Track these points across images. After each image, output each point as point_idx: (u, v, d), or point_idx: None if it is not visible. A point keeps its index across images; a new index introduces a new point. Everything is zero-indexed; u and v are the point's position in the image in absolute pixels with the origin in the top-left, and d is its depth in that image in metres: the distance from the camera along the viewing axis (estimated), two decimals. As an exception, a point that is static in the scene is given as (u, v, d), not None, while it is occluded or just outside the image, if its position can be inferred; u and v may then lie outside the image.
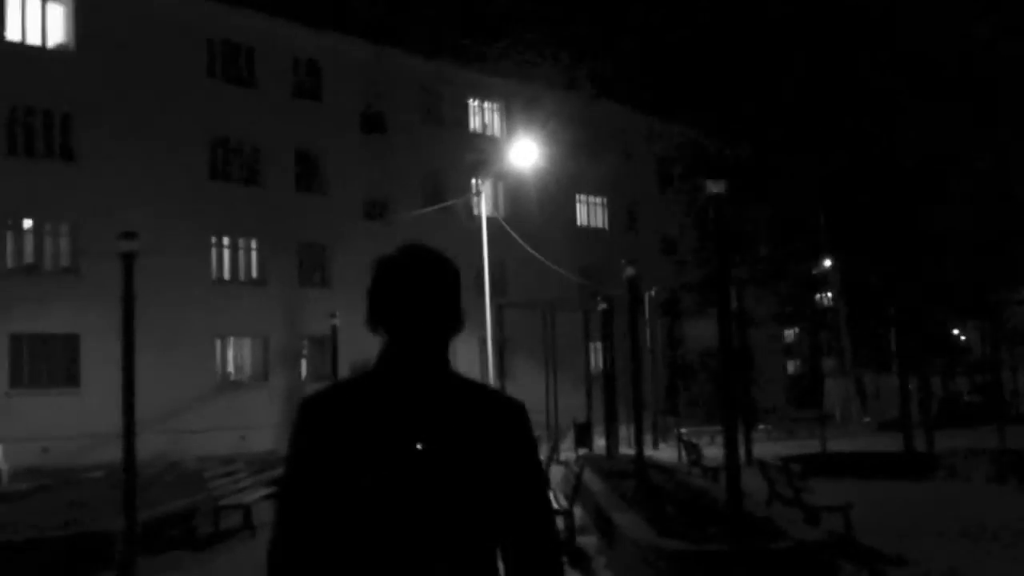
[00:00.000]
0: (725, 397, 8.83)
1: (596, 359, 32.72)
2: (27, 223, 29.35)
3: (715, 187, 8.65)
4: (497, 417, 2.32)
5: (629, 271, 14.16)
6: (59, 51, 30.18)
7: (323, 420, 2.26)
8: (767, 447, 25.76)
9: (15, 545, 10.11)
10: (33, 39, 29.68)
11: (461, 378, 2.38)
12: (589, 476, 13.25)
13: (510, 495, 2.25)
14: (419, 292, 2.34)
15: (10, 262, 28.66)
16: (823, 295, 46.04)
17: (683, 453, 23.29)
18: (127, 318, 10.57)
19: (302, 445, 2.26)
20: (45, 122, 29.57)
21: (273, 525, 2.31)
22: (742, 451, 23.48)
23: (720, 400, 8.89)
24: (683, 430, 27.05)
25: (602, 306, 22.62)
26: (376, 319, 2.36)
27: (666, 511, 11.39)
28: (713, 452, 20.23)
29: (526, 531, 2.26)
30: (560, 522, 12.22)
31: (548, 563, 2.26)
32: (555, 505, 11.71)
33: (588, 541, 11.69)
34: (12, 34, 29.11)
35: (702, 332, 26.77)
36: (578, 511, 12.45)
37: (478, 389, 2.38)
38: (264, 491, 14.48)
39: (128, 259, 10.62)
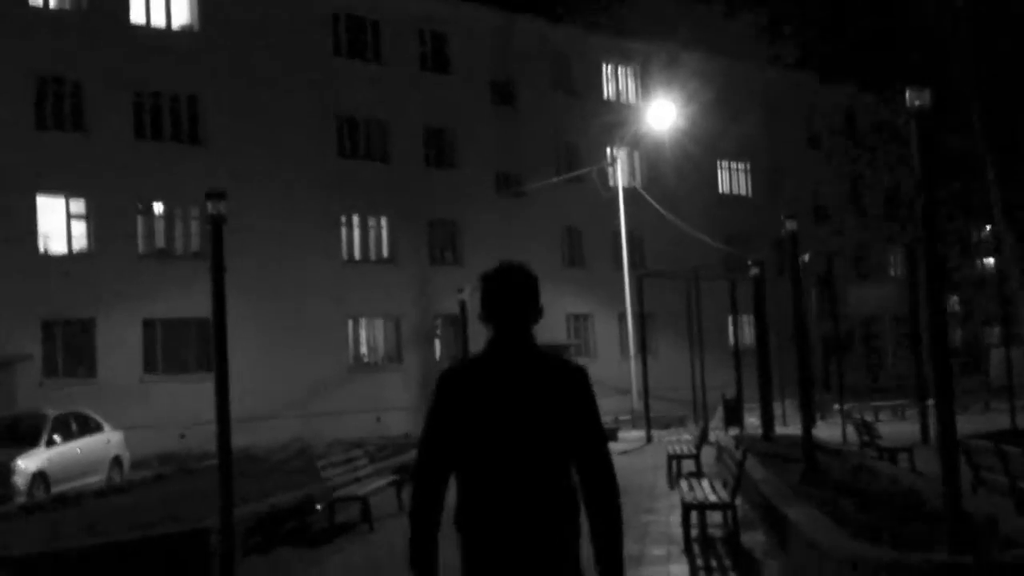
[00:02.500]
0: (938, 368, 6.95)
1: (742, 332, 30.59)
2: (157, 208, 29.11)
3: (918, 99, 6.78)
4: (565, 378, 3.63)
5: (790, 225, 12.27)
6: (184, 33, 29.81)
7: (456, 385, 3.62)
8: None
9: (95, 549, 9.04)
10: (157, 21, 29.36)
11: (541, 352, 3.65)
12: (750, 462, 11.44)
13: (575, 428, 3.57)
14: (508, 298, 3.64)
15: (142, 247, 28.45)
16: (986, 259, 42.49)
17: (848, 432, 21.14)
18: (217, 289, 9.34)
19: (442, 401, 3.61)
20: (171, 105, 29.25)
21: (418, 451, 3.66)
22: (918, 429, 21.21)
23: (933, 371, 7.02)
24: (845, 406, 24.77)
25: (753, 271, 20.60)
26: (485, 317, 3.67)
27: (846, 504, 9.54)
28: (886, 431, 18.11)
29: (587, 451, 3.58)
30: (718, 516, 10.51)
31: (604, 473, 3.58)
32: (714, 497, 10.00)
33: (753, 540, 9.92)
34: (136, 17, 28.83)
35: (864, 298, 24.38)
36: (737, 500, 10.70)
37: (552, 359, 3.67)
38: (383, 481, 13.19)
39: (216, 222, 9.39)
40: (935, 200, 7.10)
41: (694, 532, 10.06)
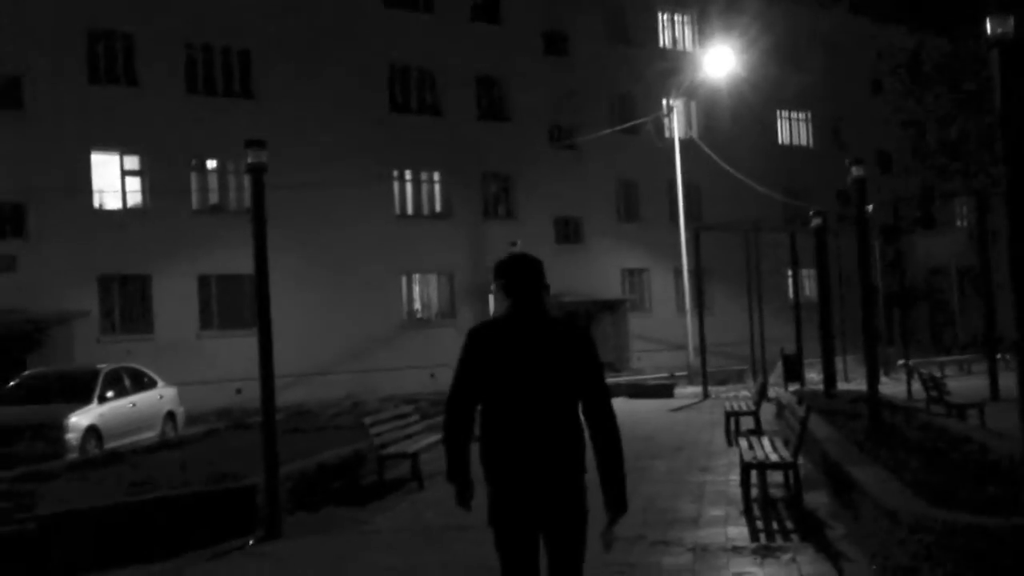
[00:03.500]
0: (1019, 315, 6.45)
1: (802, 286, 29.86)
2: (211, 163, 29.09)
3: (1000, 26, 6.21)
4: (570, 335, 4.53)
5: (856, 171, 11.68)
6: (234, -15, 29.55)
7: (481, 338, 4.53)
8: (1010, 379, 22.51)
9: (150, 504, 8.89)
10: (208, -26, 29.13)
11: (550, 316, 4.59)
12: (813, 419, 10.96)
13: (580, 374, 4.45)
14: (523, 276, 4.58)
15: (195, 203, 28.49)
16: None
17: (913, 388, 20.53)
18: (259, 241, 9.07)
19: (469, 350, 4.52)
20: (223, 59, 29.11)
21: (450, 389, 4.54)
22: (986, 384, 20.50)
23: (1016, 319, 6.53)
24: (909, 361, 24.06)
25: (816, 222, 19.93)
26: (504, 290, 4.58)
27: (915, 463, 9.06)
28: (953, 387, 17.44)
29: (590, 393, 4.46)
30: (778, 476, 10.10)
31: (603, 410, 4.44)
32: (775, 456, 9.59)
33: (816, 501, 9.49)
34: (187, -30, 28.61)
35: (932, 249, 23.55)
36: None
37: (559, 321, 4.61)
38: (434, 438, 12.93)
39: (257, 172, 9.10)
40: (1021, 136, 6.53)
41: (754, 492, 9.68)
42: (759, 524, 8.63)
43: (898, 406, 14.65)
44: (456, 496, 4.51)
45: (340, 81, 30.13)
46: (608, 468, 4.37)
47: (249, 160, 9.09)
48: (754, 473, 9.69)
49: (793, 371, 24.87)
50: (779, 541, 8.01)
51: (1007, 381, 21.69)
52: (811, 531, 8.23)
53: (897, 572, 6.60)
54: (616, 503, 4.34)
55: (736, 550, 7.68)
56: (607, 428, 4.39)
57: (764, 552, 7.58)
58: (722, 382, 27.76)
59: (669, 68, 35.86)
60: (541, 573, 4.42)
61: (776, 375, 25.84)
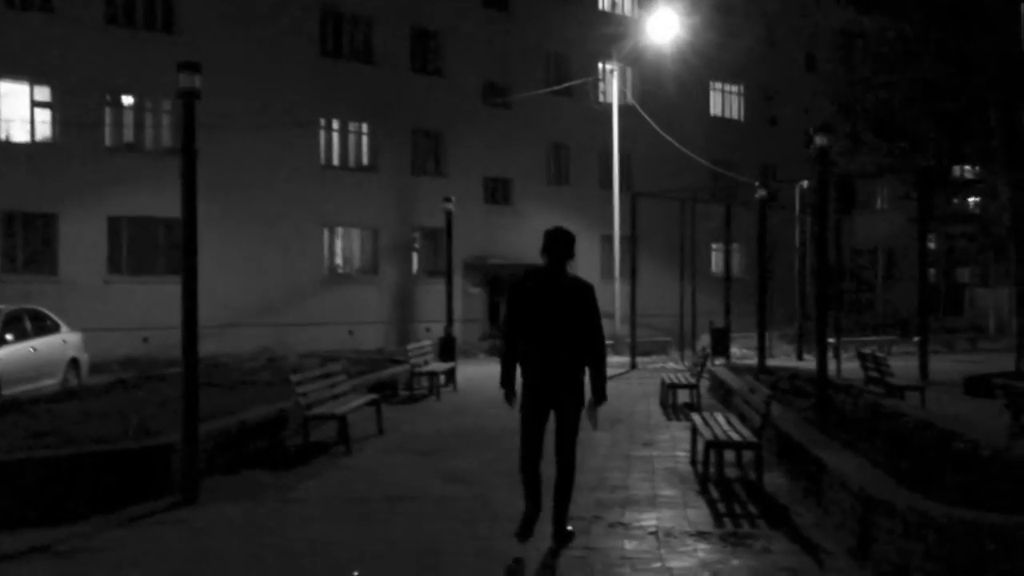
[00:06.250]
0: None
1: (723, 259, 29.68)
2: (127, 99, 27.54)
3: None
4: (582, 288, 6.95)
5: (820, 140, 11.14)
6: (160, -91, 27.89)
7: (520, 288, 6.97)
8: (936, 363, 22.58)
9: (53, 461, 7.96)
10: None
11: (570, 274, 6.96)
12: (762, 396, 10.45)
13: (584, 315, 6.86)
14: (556, 243, 6.92)
15: (109, 140, 26.95)
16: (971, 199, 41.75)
17: (843, 367, 20.36)
18: (187, 176, 8.18)
19: (514, 296, 6.99)
20: (147, -11, 27.49)
21: (504, 324, 7.09)
22: (914, 366, 20.48)
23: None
24: (832, 340, 23.98)
25: (760, 193, 19.54)
26: (544, 251, 6.96)
27: (880, 447, 8.63)
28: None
29: (589, 328, 6.87)
30: (730, 454, 9.60)
31: (596, 339, 6.90)
32: (736, 435, 9.05)
33: (774, 482, 8.98)
34: None
35: (873, 228, 23.43)
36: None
37: (575, 278, 6.97)
38: (362, 400, 12.17)
39: (188, 98, 8.18)
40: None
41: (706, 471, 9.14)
42: (720, 507, 8.08)
43: (839, 385, 14.31)
44: (504, 397, 6.97)
45: (270, 20, 28.74)
46: (595, 376, 6.85)
47: (181, 84, 8.17)
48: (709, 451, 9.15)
49: (721, 344, 24.68)
50: (745, 527, 7.45)
51: (933, 364, 21.85)
52: (777, 517, 7.69)
53: (883, 566, 6.11)
54: (598, 395, 6.84)
55: (701, 535, 7.12)
56: (597, 352, 6.85)
57: (732, 539, 7.02)
58: (646, 353, 27.44)
59: (608, 32, 35.14)
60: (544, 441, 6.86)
61: (702, 347, 25.62)
